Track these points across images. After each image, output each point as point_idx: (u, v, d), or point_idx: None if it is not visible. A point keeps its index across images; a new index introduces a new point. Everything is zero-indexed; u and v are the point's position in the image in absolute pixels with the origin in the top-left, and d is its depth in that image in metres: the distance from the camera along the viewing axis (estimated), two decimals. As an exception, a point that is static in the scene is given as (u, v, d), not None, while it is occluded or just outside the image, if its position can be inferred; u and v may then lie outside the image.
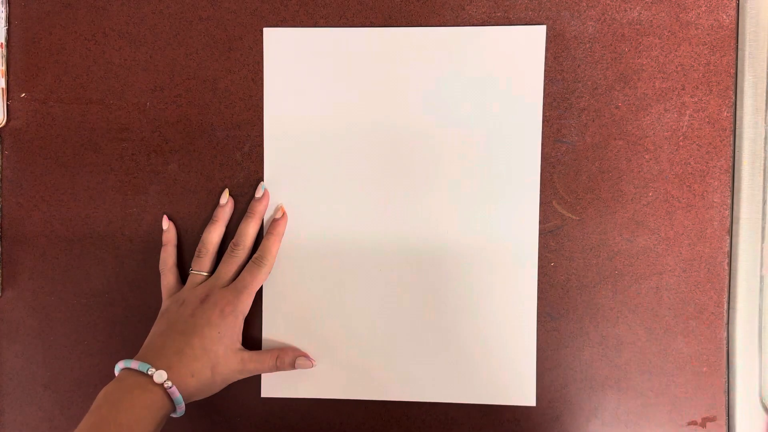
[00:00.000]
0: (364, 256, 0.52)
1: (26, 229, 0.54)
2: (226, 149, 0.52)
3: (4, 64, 0.53)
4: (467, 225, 0.51)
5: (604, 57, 0.51)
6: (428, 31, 0.51)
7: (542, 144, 0.51)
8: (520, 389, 0.51)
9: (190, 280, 0.51)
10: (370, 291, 0.52)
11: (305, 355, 0.51)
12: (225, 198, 0.52)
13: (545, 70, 0.51)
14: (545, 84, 0.51)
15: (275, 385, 0.52)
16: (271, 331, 0.52)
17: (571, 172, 0.51)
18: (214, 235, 0.51)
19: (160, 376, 0.44)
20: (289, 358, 0.51)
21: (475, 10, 0.51)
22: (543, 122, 0.51)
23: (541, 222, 0.51)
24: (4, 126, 0.53)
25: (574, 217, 0.51)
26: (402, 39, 0.51)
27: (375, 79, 0.51)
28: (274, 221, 0.52)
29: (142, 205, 0.53)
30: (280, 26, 0.52)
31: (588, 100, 0.51)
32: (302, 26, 0.52)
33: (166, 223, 0.52)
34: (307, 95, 0.52)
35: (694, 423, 0.51)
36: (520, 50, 0.51)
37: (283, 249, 0.52)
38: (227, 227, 0.52)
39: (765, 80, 0.50)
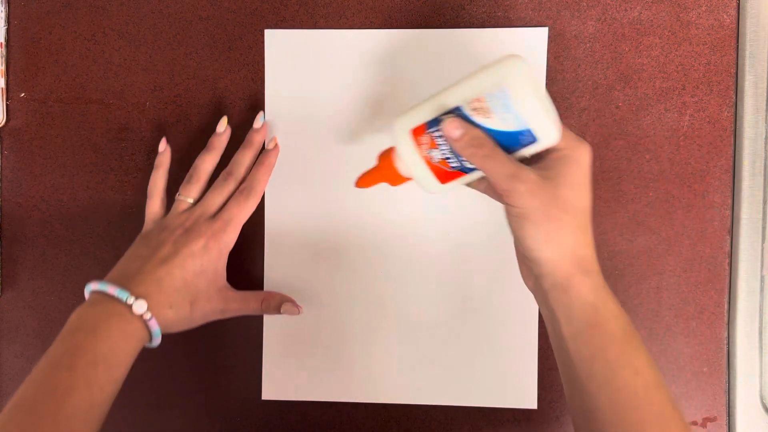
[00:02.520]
0: (365, 257, 0.52)
1: (26, 229, 0.54)
2: (225, 149, 0.52)
3: (4, 64, 0.53)
4: (468, 225, 0.51)
5: (605, 57, 0.51)
6: (430, 32, 0.51)
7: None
8: (521, 392, 0.51)
9: (175, 206, 0.49)
10: (370, 292, 0.52)
11: (292, 301, 0.49)
12: (222, 126, 0.50)
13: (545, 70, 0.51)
14: (545, 84, 0.51)
15: (276, 388, 0.52)
16: (271, 332, 0.52)
17: (571, 172, 0.51)
18: (207, 163, 0.49)
19: (140, 306, 0.42)
20: (276, 302, 0.49)
21: (475, 9, 0.51)
22: (543, 122, 0.51)
23: (541, 222, 0.51)
24: (3, 126, 0.53)
25: (574, 217, 0.51)
26: (405, 40, 0.51)
27: (377, 80, 0.51)
28: (265, 152, 0.50)
29: (142, 205, 0.53)
30: (280, 26, 0.52)
31: (588, 99, 0.51)
32: (302, 26, 0.52)
33: (162, 146, 0.51)
34: (307, 97, 0.52)
35: (694, 423, 0.51)
36: (522, 52, 0.50)
37: (283, 251, 0.52)
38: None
39: (765, 80, 0.50)
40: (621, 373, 0.36)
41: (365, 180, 0.45)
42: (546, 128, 0.38)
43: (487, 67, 0.39)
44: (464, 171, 0.41)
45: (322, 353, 0.52)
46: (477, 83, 0.39)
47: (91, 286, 0.43)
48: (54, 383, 0.38)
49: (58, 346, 0.40)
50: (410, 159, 0.41)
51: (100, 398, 0.39)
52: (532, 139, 0.39)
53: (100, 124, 0.53)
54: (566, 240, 0.38)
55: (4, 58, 0.53)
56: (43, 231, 0.54)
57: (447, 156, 0.40)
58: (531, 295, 0.51)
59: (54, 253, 0.54)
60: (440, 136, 0.40)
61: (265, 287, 0.52)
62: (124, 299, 0.42)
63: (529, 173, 0.38)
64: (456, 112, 0.39)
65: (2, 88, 0.53)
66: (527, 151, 0.40)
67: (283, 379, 0.52)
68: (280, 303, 0.49)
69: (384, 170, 0.44)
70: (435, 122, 0.40)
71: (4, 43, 0.53)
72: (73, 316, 0.42)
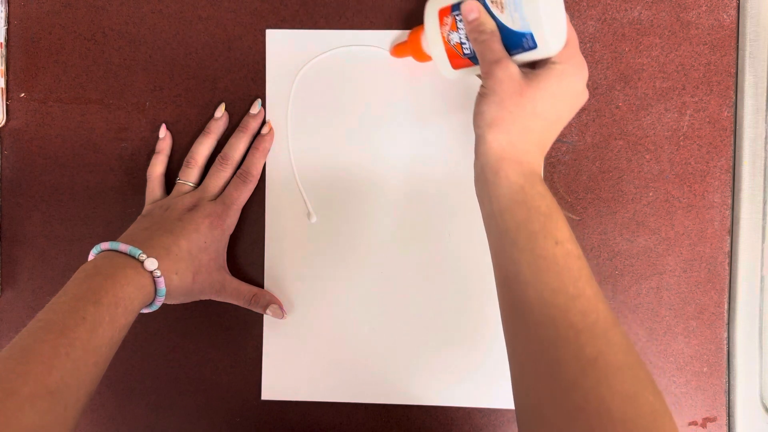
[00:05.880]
0: (365, 258, 0.52)
1: (26, 229, 0.54)
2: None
3: (4, 64, 0.53)
4: (469, 225, 0.51)
5: (605, 57, 0.51)
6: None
7: (542, 144, 0.51)
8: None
9: (176, 188, 0.50)
10: (370, 293, 0.52)
11: (279, 304, 0.51)
12: (220, 112, 0.51)
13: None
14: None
15: (276, 388, 0.52)
16: (271, 332, 0.52)
17: (571, 172, 0.51)
18: (204, 147, 0.51)
19: (151, 263, 0.43)
20: (264, 301, 0.50)
21: (475, 9, 0.51)
22: (543, 122, 0.51)
23: (541, 222, 0.51)
24: (3, 126, 0.53)
25: (574, 217, 0.51)
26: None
27: (377, 81, 0.51)
28: (260, 136, 0.51)
29: (142, 205, 0.53)
30: (280, 26, 0.52)
31: (588, 99, 0.51)
32: (302, 26, 0.52)
33: (163, 132, 0.52)
34: (308, 97, 0.52)
35: (694, 423, 0.51)
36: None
37: (283, 252, 0.52)
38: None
39: (765, 80, 0.50)
40: (542, 242, 0.38)
41: (397, 50, 0.50)
42: (546, 37, 0.39)
43: None
44: (474, 61, 0.44)
45: (322, 353, 0.52)
46: None
47: (102, 246, 0.44)
48: (82, 314, 0.39)
49: (77, 286, 0.41)
50: (432, 36, 0.45)
51: (117, 338, 0.40)
52: (533, 45, 0.40)
53: (100, 124, 0.53)
54: (511, 130, 0.40)
55: (4, 58, 0.53)
56: (43, 231, 0.54)
57: (462, 41, 0.43)
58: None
59: (54, 253, 0.54)
60: (461, 20, 0.43)
61: (265, 287, 0.52)
62: (136, 255, 0.43)
63: (511, 65, 0.40)
64: None
65: (2, 88, 0.53)
66: (527, 56, 0.41)
67: (283, 379, 0.52)
68: (268, 303, 0.50)
69: (412, 44, 0.48)
70: (459, 6, 0.43)
71: (4, 43, 0.53)
72: (87, 265, 0.42)
